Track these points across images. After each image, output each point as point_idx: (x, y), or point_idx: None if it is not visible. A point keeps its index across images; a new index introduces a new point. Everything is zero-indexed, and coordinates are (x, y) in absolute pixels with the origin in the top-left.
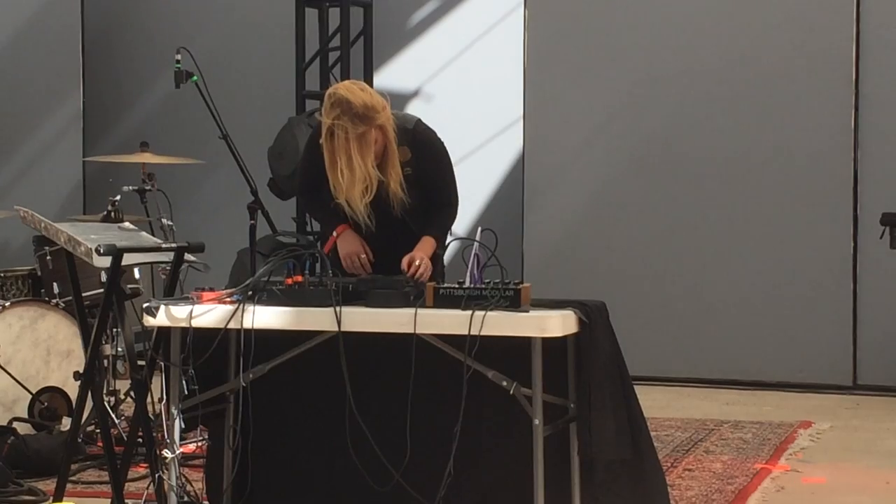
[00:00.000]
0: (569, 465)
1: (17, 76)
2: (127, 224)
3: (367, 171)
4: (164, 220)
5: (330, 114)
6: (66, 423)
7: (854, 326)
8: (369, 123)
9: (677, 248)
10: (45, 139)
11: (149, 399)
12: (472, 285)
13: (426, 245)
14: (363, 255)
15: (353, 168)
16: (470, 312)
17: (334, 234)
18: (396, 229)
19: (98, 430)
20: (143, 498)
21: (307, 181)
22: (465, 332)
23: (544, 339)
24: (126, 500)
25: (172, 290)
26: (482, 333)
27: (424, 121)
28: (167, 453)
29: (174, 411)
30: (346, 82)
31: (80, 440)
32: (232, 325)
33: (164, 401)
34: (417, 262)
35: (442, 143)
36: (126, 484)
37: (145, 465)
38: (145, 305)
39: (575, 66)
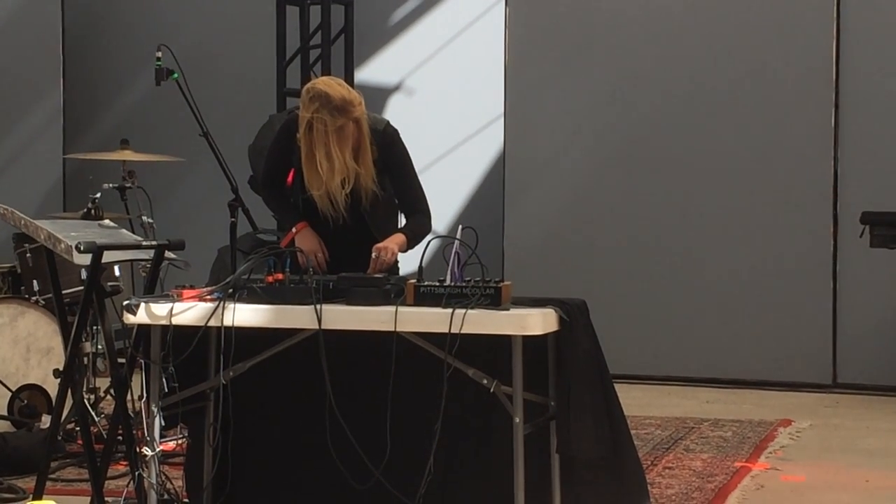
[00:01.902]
0: (550, 463)
1: None
2: (107, 221)
3: (344, 163)
4: (144, 218)
5: (309, 107)
6: (45, 420)
7: (834, 325)
8: (347, 116)
9: (658, 246)
10: (24, 136)
11: (129, 397)
12: (452, 283)
13: (397, 238)
14: (319, 255)
15: (331, 160)
16: (450, 310)
17: (293, 230)
18: (361, 224)
19: (78, 428)
20: (123, 496)
21: (272, 173)
22: (446, 330)
23: (525, 338)
24: (106, 498)
25: (153, 287)
26: (463, 331)
27: (402, 120)
28: (147, 451)
29: (154, 409)
30: (324, 77)
31: (59, 438)
32: (212, 323)
33: (144, 398)
34: (375, 255)
35: (407, 149)
36: (106, 482)
37: (125, 462)
38: (125, 303)
39: (556, 63)
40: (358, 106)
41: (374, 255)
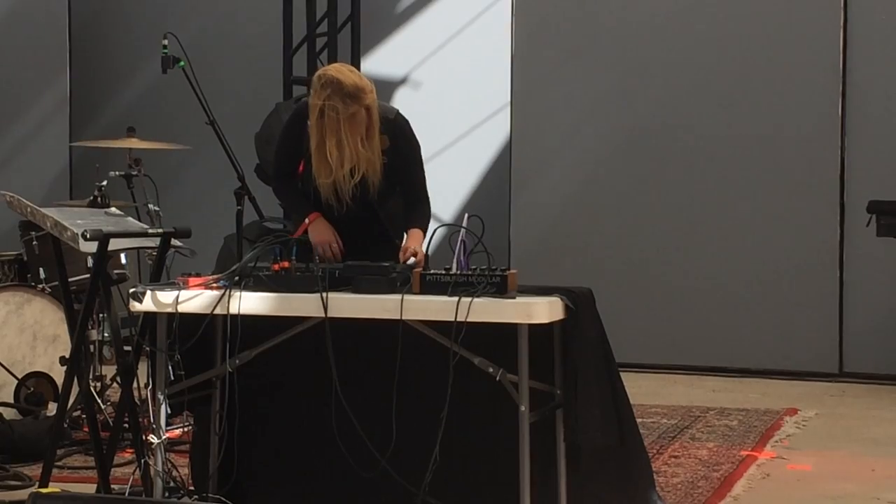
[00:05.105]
0: (555, 452)
1: (3, 61)
2: (113, 209)
3: (355, 151)
4: (150, 206)
5: (320, 94)
6: (52, 408)
7: (840, 314)
8: (359, 103)
9: (664, 235)
10: (31, 124)
11: (135, 384)
12: (458, 272)
13: (417, 237)
14: (334, 245)
15: (342, 148)
16: (456, 299)
17: (306, 220)
18: (369, 214)
19: (84, 416)
20: (129, 483)
21: (283, 163)
22: (452, 319)
23: (531, 326)
24: (112, 486)
25: (159, 275)
26: (469, 320)
27: (409, 109)
28: (153, 439)
29: (160, 397)
30: (335, 64)
31: (66, 425)
32: (218, 311)
33: (150, 386)
34: (412, 251)
35: (418, 139)
36: (112, 469)
37: (131, 450)
38: (132, 291)
39: (562, 52)
40: (370, 93)
41: (409, 260)
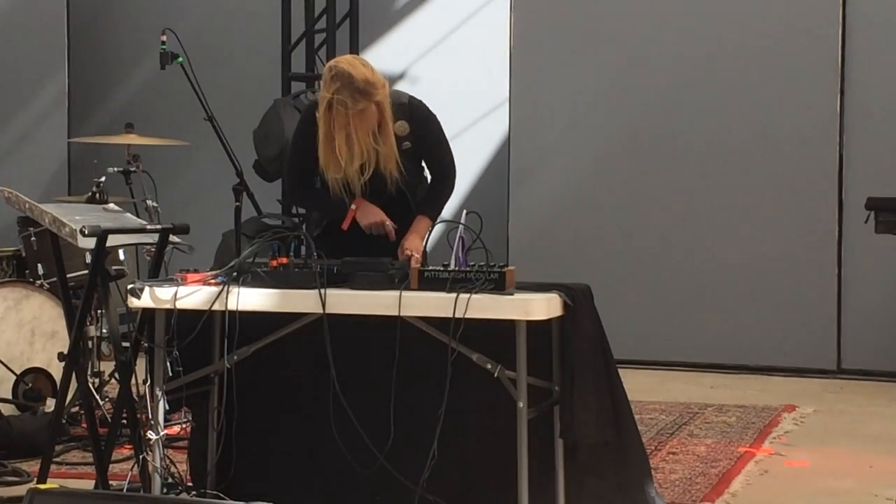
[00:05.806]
0: (553, 448)
1: (1, 57)
2: (112, 205)
3: (365, 148)
4: (149, 202)
5: (330, 87)
6: (50, 404)
7: (839, 311)
8: (369, 99)
9: (662, 231)
10: (29, 120)
11: (133, 380)
12: (456, 268)
13: (421, 226)
14: (388, 223)
15: (351, 144)
16: (454, 295)
17: (352, 207)
18: (388, 206)
19: (82, 412)
20: (128, 479)
21: (299, 172)
22: (450, 315)
23: (529, 322)
24: (110, 482)
25: (157, 271)
26: (467, 316)
27: None
28: (151, 435)
29: (158, 393)
30: (348, 56)
31: (64, 421)
32: (216, 307)
33: (148, 382)
34: (409, 253)
35: (436, 116)
36: (110, 465)
37: (129, 446)
38: (130, 287)
39: (561, 48)
40: (381, 89)
41: (408, 256)
